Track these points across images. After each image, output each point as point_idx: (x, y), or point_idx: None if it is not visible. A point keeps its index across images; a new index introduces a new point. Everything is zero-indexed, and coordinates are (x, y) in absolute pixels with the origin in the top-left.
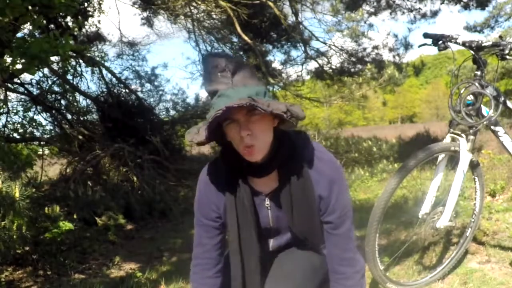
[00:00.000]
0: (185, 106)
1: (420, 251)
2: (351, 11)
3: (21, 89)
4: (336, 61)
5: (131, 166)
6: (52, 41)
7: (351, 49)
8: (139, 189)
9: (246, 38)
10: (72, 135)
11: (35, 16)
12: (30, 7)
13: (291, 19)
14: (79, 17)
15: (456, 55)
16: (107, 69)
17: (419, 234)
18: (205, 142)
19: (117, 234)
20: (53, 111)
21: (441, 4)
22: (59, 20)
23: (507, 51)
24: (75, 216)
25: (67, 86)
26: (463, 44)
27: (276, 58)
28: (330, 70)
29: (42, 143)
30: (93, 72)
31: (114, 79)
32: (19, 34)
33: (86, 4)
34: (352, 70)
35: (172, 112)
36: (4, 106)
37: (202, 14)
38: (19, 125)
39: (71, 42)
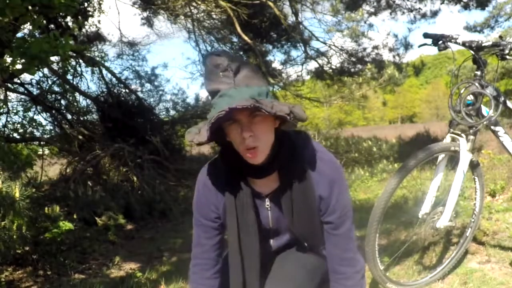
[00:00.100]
0: (185, 106)
1: (420, 251)
2: (351, 11)
3: (21, 89)
4: (336, 61)
5: (131, 166)
6: (52, 41)
7: (351, 49)
8: (139, 189)
9: (246, 38)
10: (72, 135)
11: (35, 16)
12: (30, 7)
13: (291, 19)
14: (79, 17)
15: (456, 55)
16: (107, 69)
17: (419, 234)
18: (206, 142)
19: (117, 234)
20: (53, 111)
21: (441, 4)
22: (59, 20)
23: (507, 51)
24: (75, 216)
25: (67, 86)
26: (463, 44)
27: (276, 58)
28: (330, 70)
29: (42, 143)
30: (93, 72)
31: (114, 79)
32: (19, 34)
33: (86, 4)
34: (352, 70)
35: (172, 112)
36: (4, 106)
37: (202, 14)
38: (19, 125)
39: (71, 42)
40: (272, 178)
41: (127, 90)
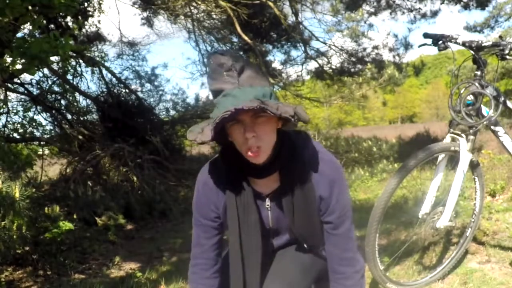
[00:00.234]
0: (185, 106)
1: (420, 251)
2: (351, 11)
3: (21, 89)
4: (336, 61)
5: (131, 166)
6: (52, 41)
7: (351, 49)
8: (139, 189)
9: (246, 38)
10: (72, 135)
11: (35, 16)
12: (30, 7)
13: (291, 19)
14: (79, 17)
15: (456, 55)
16: (107, 69)
17: (419, 234)
18: (208, 141)
19: (117, 234)
20: (53, 111)
21: (441, 4)
22: (59, 20)
23: (507, 51)
24: (75, 216)
25: (67, 86)
26: (463, 44)
27: (276, 58)
28: (330, 70)
29: (42, 143)
30: (93, 72)
31: (114, 79)
32: (19, 34)
33: (86, 4)
34: (352, 70)
35: (172, 112)
36: (4, 106)
37: (202, 14)
38: (19, 125)
39: (71, 42)
40: (272, 178)
41: (127, 90)
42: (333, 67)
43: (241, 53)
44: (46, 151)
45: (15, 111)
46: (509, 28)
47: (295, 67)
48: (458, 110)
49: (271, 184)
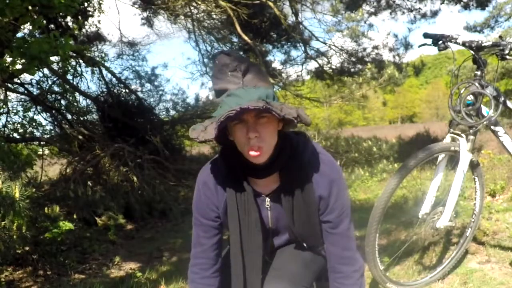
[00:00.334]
0: (185, 106)
1: (420, 251)
2: (351, 11)
3: (21, 89)
4: (336, 61)
5: (131, 166)
6: (52, 41)
7: (351, 49)
8: (139, 189)
9: (246, 38)
10: (72, 135)
11: (35, 16)
12: (30, 7)
13: (291, 19)
14: (79, 17)
15: (456, 55)
16: (107, 69)
17: (419, 234)
18: (210, 140)
19: (117, 234)
20: (53, 111)
21: (441, 4)
22: (59, 20)
23: (507, 51)
24: (75, 216)
25: (67, 86)
26: (463, 44)
27: (276, 58)
28: (330, 70)
29: (42, 143)
30: (93, 72)
31: (114, 79)
32: (19, 34)
33: (86, 4)
34: (352, 70)
35: (172, 112)
36: (4, 106)
37: (202, 14)
38: (19, 125)
39: (71, 42)
40: (272, 179)
41: (127, 90)
42: (333, 67)
43: (241, 53)
44: (46, 151)
45: (15, 111)
46: (509, 28)
47: (295, 67)
48: (458, 110)
49: (271, 184)
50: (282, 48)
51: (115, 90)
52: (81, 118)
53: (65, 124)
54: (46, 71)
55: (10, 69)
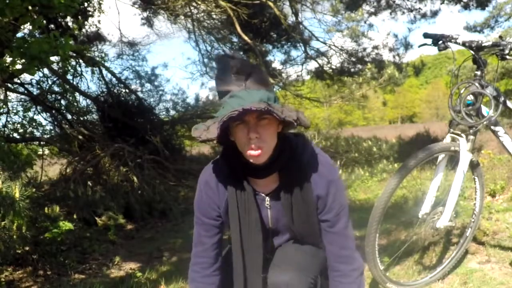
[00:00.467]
0: (185, 106)
1: (420, 251)
2: (351, 11)
3: (21, 89)
4: (336, 61)
5: (131, 166)
6: (52, 41)
7: (351, 49)
8: (139, 189)
9: (246, 38)
10: (72, 135)
11: (35, 16)
12: (30, 7)
13: (291, 19)
14: (79, 17)
15: (456, 55)
16: (107, 69)
17: (419, 234)
18: (212, 139)
19: (117, 234)
20: (53, 111)
21: (441, 4)
22: (59, 20)
23: (507, 51)
24: (75, 216)
25: (67, 86)
26: (463, 44)
27: (276, 58)
28: (330, 70)
29: (42, 143)
30: (93, 72)
31: (114, 79)
32: (19, 34)
33: (86, 4)
34: (352, 70)
35: (172, 112)
36: (4, 106)
37: (202, 14)
38: (19, 125)
39: (71, 42)
40: (272, 179)
41: (127, 90)
42: (333, 67)
43: (241, 53)
44: (46, 151)
45: (15, 111)
46: (509, 28)
47: (295, 67)
48: (458, 110)
49: (270, 184)
50: (282, 48)
51: (115, 90)
52: (81, 118)
53: (65, 124)
54: (46, 71)
55: (10, 69)
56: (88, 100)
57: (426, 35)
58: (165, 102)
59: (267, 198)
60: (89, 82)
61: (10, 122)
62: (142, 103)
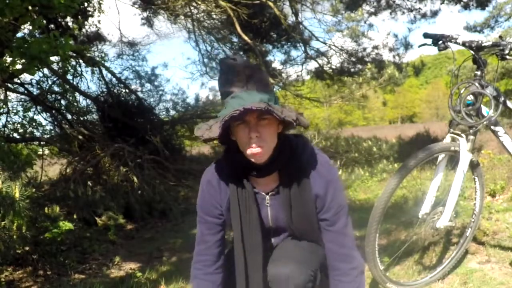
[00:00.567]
0: (185, 106)
1: (420, 251)
2: (351, 11)
3: (21, 89)
4: (336, 61)
5: (131, 166)
6: (52, 41)
7: (351, 49)
8: (139, 189)
9: (246, 38)
10: (72, 135)
11: (35, 16)
12: (30, 8)
13: (291, 19)
14: (79, 17)
15: (456, 55)
16: (107, 69)
17: (419, 234)
18: (214, 138)
19: (117, 234)
20: (53, 111)
21: (441, 4)
22: (59, 20)
23: (507, 51)
24: (75, 216)
25: (67, 86)
26: (463, 44)
27: (276, 58)
28: (330, 70)
29: (42, 143)
30: (93, 72)
31: (114, 79)
32: (19, 34)
33: (86, 4)
34: (352, 70)
35: (172, 112)
36: (4, 106)
37: (202, 14)
38: (19, 125)
39: (71, 42)
40: (272, 178)
41: (127, 90)
42: (333, 67)
43: (241, 53)
44: (46, 151)
45: (15, 111)
46: (509, 28)
47: (295, 67)
48: (458, 110)
49: (271, 183)
50: (282, 48)
51: (115, 90)
52: (81, 118)
53: (65, 124)
54: (46, 71)
55: (10, 69)
56: (88, 100)
57: (426, 35)
58: (165, 102)
59: (267, 197)
60: (89, 82)
61: (10, 122)
62: (142, 103)
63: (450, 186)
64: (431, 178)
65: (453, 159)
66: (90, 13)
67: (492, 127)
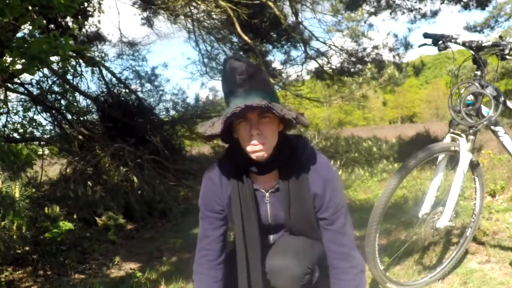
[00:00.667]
0: (185, 106)
1: (420, 251)
2: (351, 11)
3: (21, 89)
4: (336, 61)
5: (131, 166)
6: (52, 41)
7: (351, 49)
8: (139, 189)
9: (246, 38)
10: (72, 135)
11: (35, 16)
12: (30, 8)
13: (291, 19)
14: (79, 17)
15: (456, 55)
16: (107, 69)
17: (419, 234)
18: (216, 135)
19: (117, 234)
20: (53, 111)
21: (441, 4)
22: (59, 20)
23: (507, 51)
24: (75, 216)
25: (67, 86)
26: (463, 44)
27: (276, 58)
28: (330, 70)
29: (42, 143)
30: (93, 72)
31: (114, 79)
32: (19, 34)
33: (86, 4)
34: (352, 70)
35: (172, 112)
36: (4, 106)
37: (202, 14)
38: (19, 125)
39: (71, 42)
40: (272, 176)
41: (127, 90)
42: (333, 67)
43: (241, 53)
44: (46, 151)
45: (15, 111)
46: (509, 28)
47: (295, 67)
48: (458, 110)
49: (271, 181)
50: (282, 48)
51: (115, 90)
52: (81, 118)
53: (65, 124)
54: (46, 71)
55: (10, 69)
56: (88, 100)
57: (426, 35)
58: (165, 102)
59: (267, 194)
60: (89, 82)
61: (10, 122)
62: (142, 103)
63: (450, 186)
64: (431, 178)
65: (453, 159)
66: (90, 13)
67: (492, 127)
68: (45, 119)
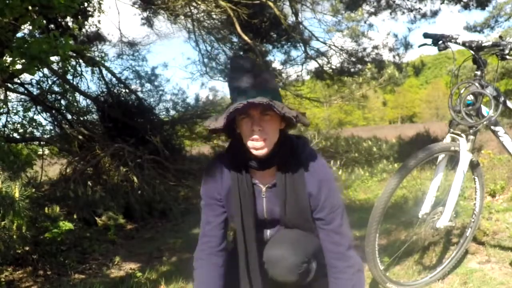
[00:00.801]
0: (185, 106)
1: (420, 251)
2: (351, 11)
3: (21, 89)
4: (336, 61)
5: (131, 166)
6: (52, 41)
7: (351, 49)
8: (139, 189)
9: (246, 38)
10: (72, 135)
11: (35, 16)
12: (30, 8)
13: (291, 19)
14: (79, 17)
15: (456, 55)
16: (107, 69)
17: (419, 234)
18: (220, 130)
19: (117, 234)
20: (53, 111)
21: (441, 4)
22: (59, 20)
23: (507, 51)
24: (75, 216)
25: (67, 86)
26: (463, 44)
27: (276, 58)
28: (330, 70)
29: (42, 143)
30: (93, 72)
31: (114, 79)
32: (19, 34)
33: (86, 4)
34: (352, 70)
35: (172, 112)
36: (4, 106)
37: (202, 14)
38: (19, 125)
39: (71, 42)
40: (270, 172)
41: (127, 90)
42: (333, 67)
43: (241, 53)
44: (46, 151)
45: (15, 111)
46: (509, 28)
47: (295, 67)
48: (458, 110)
49: (269, 177)
50: (282, 48)
51: (115, 90)
52: (81, 118)
53: (65, 124)
54: (46, 71)
55: (10, 69)
56: (88, 100)
57: (426, 35)
58: (165, 102)
59: (264, 189)
60: (89, 82)
61: (10, 122)
62: (142, 103)
63: (450, 186)
64: (431, 178)
65: (453, 159)
66: (90, 13)
67: (492, 127)
68: (45, 119)
